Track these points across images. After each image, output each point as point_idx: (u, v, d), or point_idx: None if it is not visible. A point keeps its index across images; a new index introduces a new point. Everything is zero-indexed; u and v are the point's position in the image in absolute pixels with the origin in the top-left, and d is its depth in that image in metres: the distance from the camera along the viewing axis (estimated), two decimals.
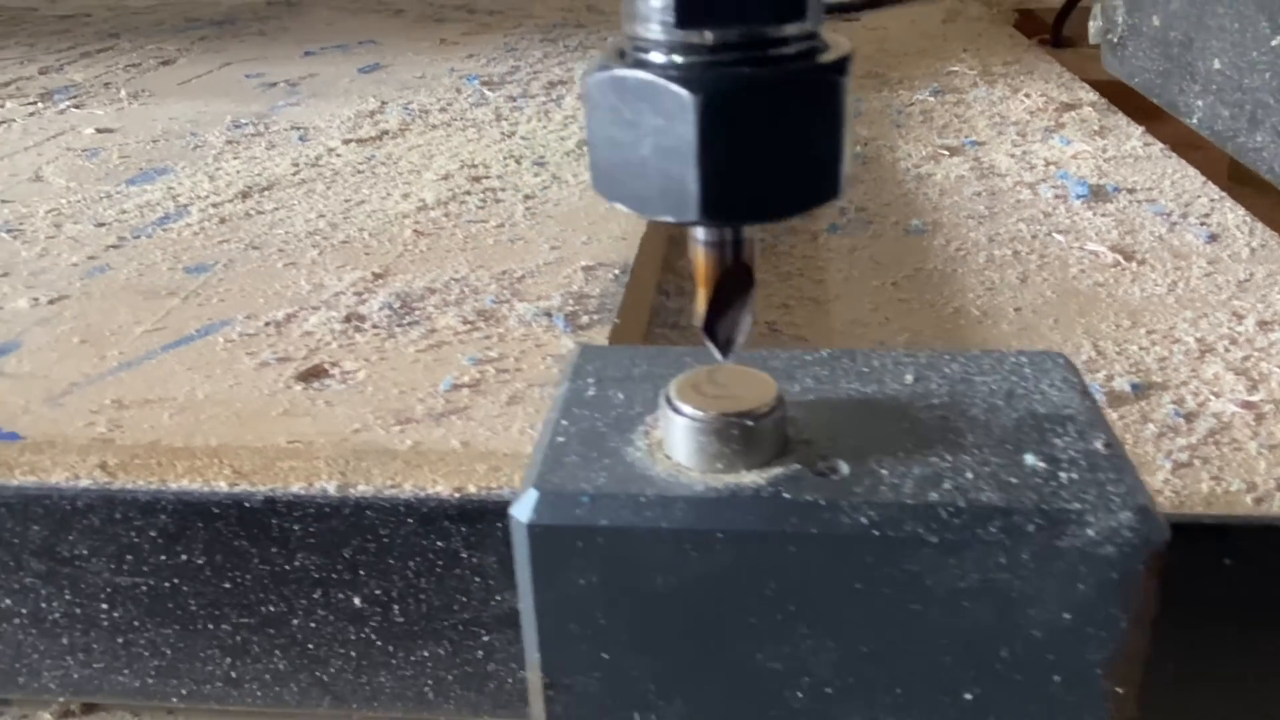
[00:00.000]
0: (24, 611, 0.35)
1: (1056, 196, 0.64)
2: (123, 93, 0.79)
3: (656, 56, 0.20)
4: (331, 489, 0.32)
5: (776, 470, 0.24)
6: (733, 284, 0.23)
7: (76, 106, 0.75)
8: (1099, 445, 0.24)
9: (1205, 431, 0.38)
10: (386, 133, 0.66)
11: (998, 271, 0.54)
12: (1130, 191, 0.65)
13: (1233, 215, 0.59)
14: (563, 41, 0.96)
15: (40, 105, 0.76)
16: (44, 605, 0.34)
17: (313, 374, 0.37)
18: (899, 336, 0.48)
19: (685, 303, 0.53)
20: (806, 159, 0.20)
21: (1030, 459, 0.24)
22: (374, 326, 0.40)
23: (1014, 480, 0.23)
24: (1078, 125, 0.79)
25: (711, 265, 0.23)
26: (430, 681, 0.34)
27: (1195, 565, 0.29)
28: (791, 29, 0.20)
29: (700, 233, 0.23)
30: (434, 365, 0.37)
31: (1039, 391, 0.26)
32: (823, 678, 0.24)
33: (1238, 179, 0.79)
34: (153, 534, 0.33)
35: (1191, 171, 0.68)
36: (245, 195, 0.55)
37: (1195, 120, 0.60)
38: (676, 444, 0.24)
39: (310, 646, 0.34)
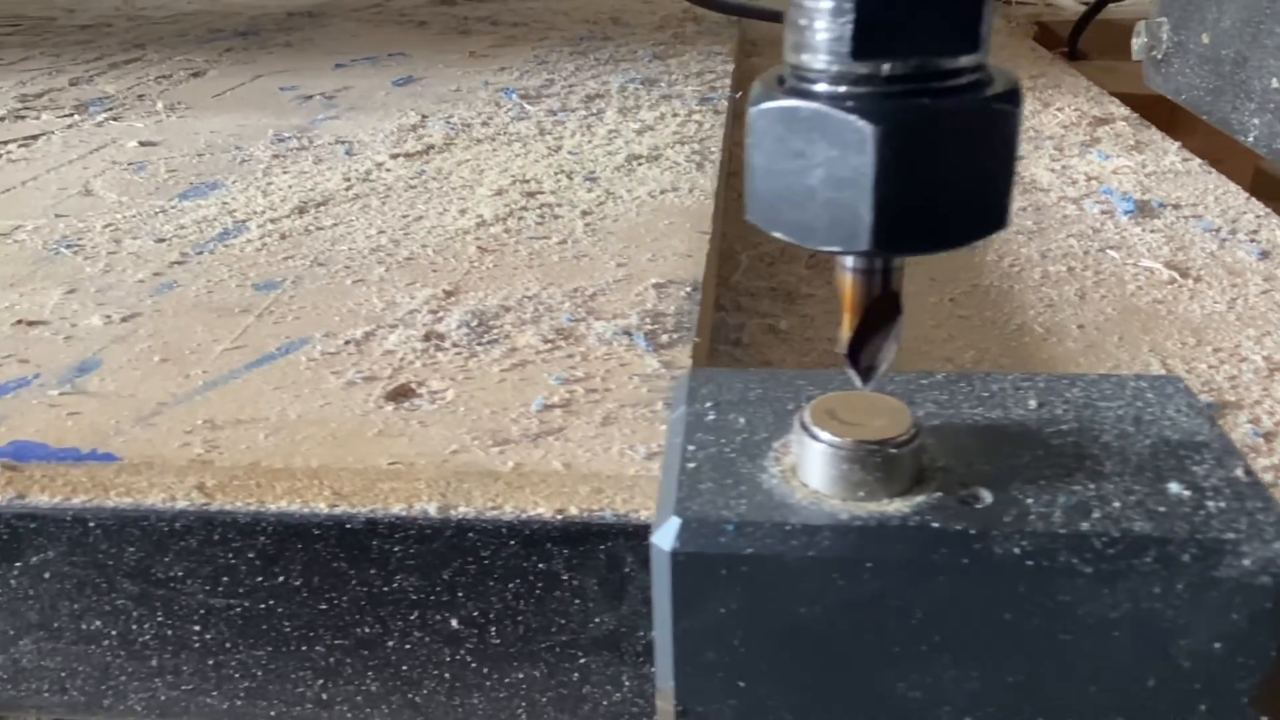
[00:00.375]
0: (114, 633, 0.34)
1: (1103, 212, 0.64)
2: (159, 105, 0.79)
3: (825, 87, 0.20)
4: (432, 510, 0.32)
5: (919, 498, 0.24)
6: (879, 311, 0.23)
7: (114, 119, 0.75)
8: (1240, 473, 0.24)
9: None
10: (432, 147, 0.66)
11: (1055, 288, 0.54)
12: (1175, 207, 0.65)
13: None
14: (593, 54, 0.96)
15: (77, 117, 0.76)
16: (135, 627, 0.34)
17: (401, 394, 0.36)
18: (966, 354, 0.48)
19: (745, 319, 0.53)
20: (978, 190, 0.20)
21: (1175, 487, 0.24)
22: (454, 345, 0.40)
23: (1163, 509, 0.23)
24: (1113, 140, 0.79)
25: (860, 292, 0.23)
26: (524, 704, 0.34)
27: None
28: (964, 60, 0.20)
29: (850, 259, 0.23)
30: (521, 385, 0.37)
31: (1166, 417, 0.26)
32: (964, 707, 0.24)
33: (1260, 192, 0.79)
34: (250, 555, 0.33)
35: (1233, 187, 0.68)
36: (301, 211, 0.55)
37: (1251, 139, 0.60)
38: (814, 471, 0.24)
39: (404, 668, 0.34)
